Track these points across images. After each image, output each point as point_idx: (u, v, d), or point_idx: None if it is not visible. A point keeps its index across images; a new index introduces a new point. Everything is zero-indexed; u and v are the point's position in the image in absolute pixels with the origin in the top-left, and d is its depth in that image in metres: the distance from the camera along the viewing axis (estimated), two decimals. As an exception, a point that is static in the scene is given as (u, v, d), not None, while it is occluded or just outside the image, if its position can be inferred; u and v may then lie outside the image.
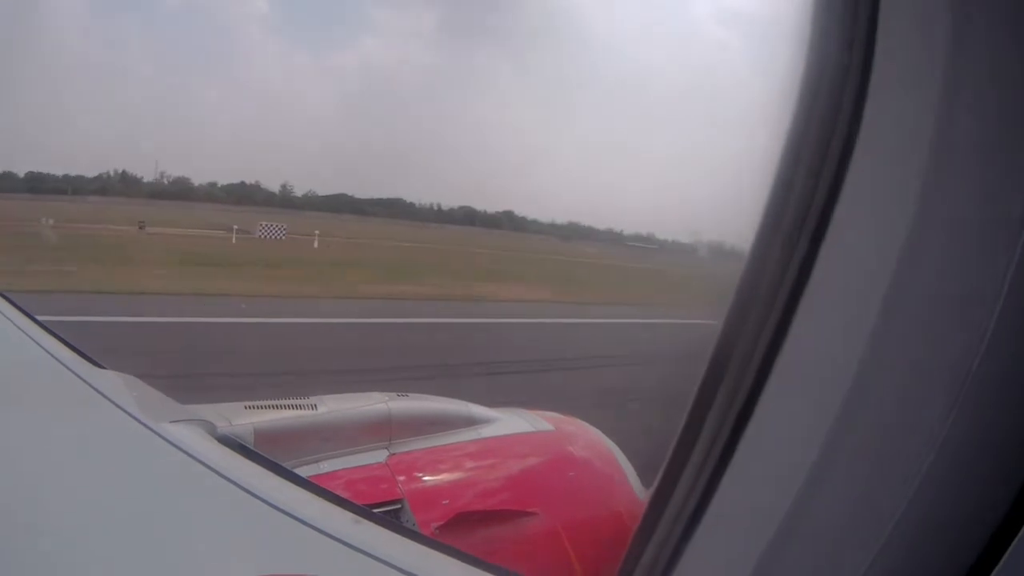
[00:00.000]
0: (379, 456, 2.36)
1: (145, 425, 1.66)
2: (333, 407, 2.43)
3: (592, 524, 2.32)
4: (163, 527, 1.36)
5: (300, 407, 2.37)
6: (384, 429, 2.43)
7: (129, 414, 1.71)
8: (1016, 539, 0.54)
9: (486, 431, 2.60)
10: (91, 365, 2.08)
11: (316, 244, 24.23)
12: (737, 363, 0.70)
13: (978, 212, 0.54)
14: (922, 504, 0.57)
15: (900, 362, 0.58)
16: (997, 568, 0.55)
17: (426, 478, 2.36)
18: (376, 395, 2.57)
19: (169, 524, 1.38)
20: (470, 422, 2.61)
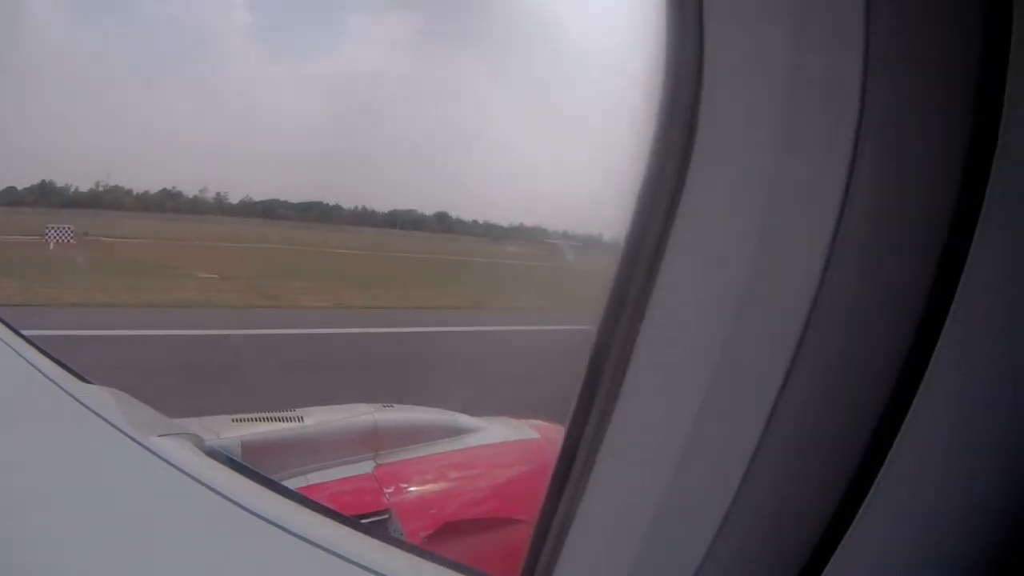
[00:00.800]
0: (366, 467, 2.37)
1: (133, 439, 1.66)
2: (320, 419, 2.44)
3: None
4: (152, 541, 1.37)
5: (287, 419, 2.38)
6: (370, 440, 2.44)
7: (117, 428, 1.71)
8: (845, 536, 0.57)
9: (472, 440, 2.61)
10: (77, 379, 2.08)
11: (52, 247, 21.66)
12: (603, 365, 0.70)
13: (808, 214, 0.55)
14: (750, 501, 0.59)
15: (740, 366, 0.59)
16: (829, 565, 0.58)
17: (413, 488, 2.37)
18: (362, 407, 2.58)
19: (158, 538, 1.38)
20: (456, 432, 2.63)
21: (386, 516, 2.20)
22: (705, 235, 0.62)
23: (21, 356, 2.22)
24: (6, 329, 2.44)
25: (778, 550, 0.60)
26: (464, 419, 2.71)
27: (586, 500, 0.72)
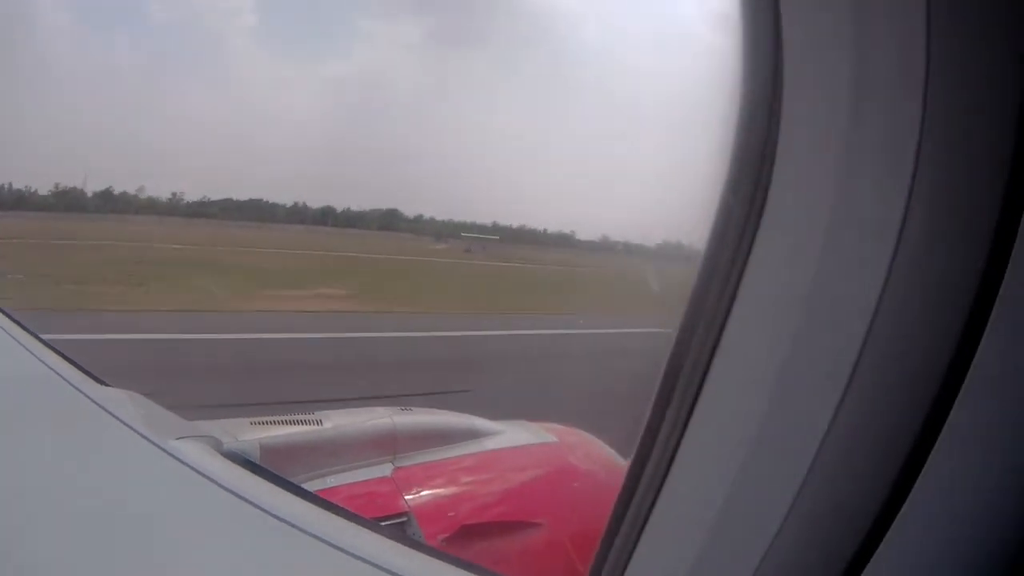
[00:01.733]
0: (384, 470, 2.38)
1: (151, 442, 1.67)
2: (338, 422, 2.45)
3: (597, 534, 2.32)
4: (172, 543, 1.37)
5: (305, 422, 2.39)
6: (389, 443, 2.44)
7: (135, 431, 1.72)
8: (889, 530, 0.58)
9: (490, 444, 2.62)
10: (95, 382, 2.09)
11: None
12: (685, 371, 0.73)
13: (876, 214, 0.57)
14: (807, 498, 0.61)
15: (814, 364, 0.62)
16: (872, 560, 0.59)
17: (431, 491, 2.37)
18: (380, 410, 2.58)
19: (178, 540, 1.38)
20: (474, 435, 2.63)
21: (404, 519, 2.20)
22: (783, 241, 0.65)
23: (40, 359, 2.24)
24: (25, 333, 2.46)
25: (831, 545, 0.62)
26: (481, 422, 2.71)
27: (661, 500, 0.74)
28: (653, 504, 0.75)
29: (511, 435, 2.70)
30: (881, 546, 0.58)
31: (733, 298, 0.67)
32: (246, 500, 1.50)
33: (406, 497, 2.27)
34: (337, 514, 1.57)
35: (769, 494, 0.63)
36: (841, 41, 0.58)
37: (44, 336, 2.50)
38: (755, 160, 0.65)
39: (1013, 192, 0.53)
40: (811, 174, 0.62)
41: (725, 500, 0.67)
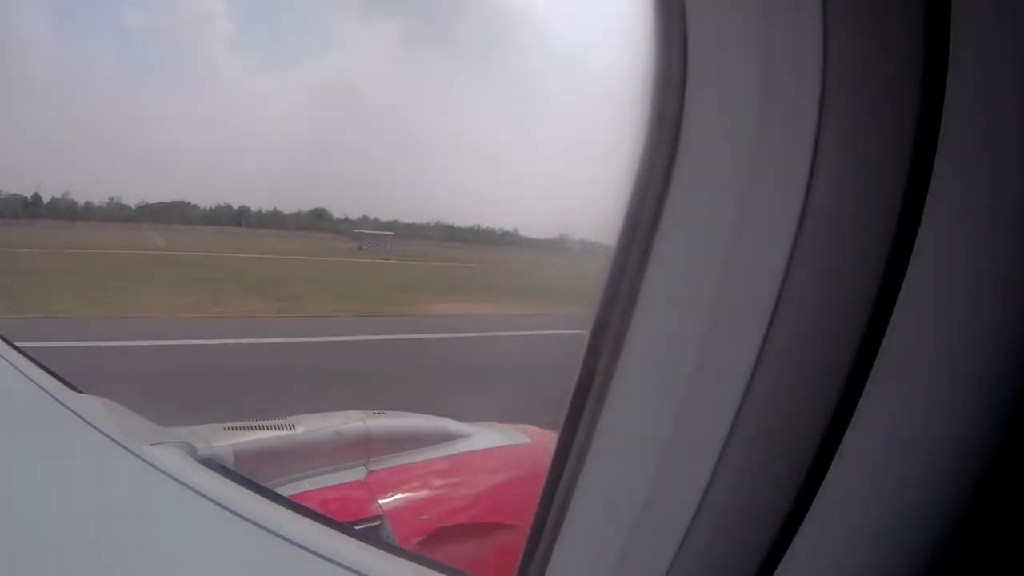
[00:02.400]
0: (358, 474, 2.38)
1: (126, 448, 1.67)
2: (311, 426, 2.45)
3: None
4: (146, 549, 1.37)
5: (279, 427, 2.39)
6: (362, 447, 2.45)
7: (109, 437, 1.72)
8: (802, 523, 0.60)
9: (463, 446, 2.63)
10: (69, 389, 2.09)
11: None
12: (594, 369, 0.73)
13: (773, 212, 0.59)
14: (719, 494, 0.63)
15: (713, 364, 0.63)
16: (786, 555, 0.61)
17: (405, 494, 2.38)
18: (353, 414, 2.58)
19: (152, 546, 1.39)
20: (447, 437, 2.64)
21: (378, 522, 2.21)
22: (685, 237, 0.65)
23: (13, 366, 2.23)
24: None
25: (743, 540, 0.63)
26: (454, 425, 2.72)
27: (576, 499, 0.75)
28: (566, 508, 0.76)
29: (484, 437, 2.72)
30: (794, 540, 0.60)
31: (635, 298, 0.68)
32: (220, 505, 1.50)
33: (380, 501, 2.28)
34: (311, 518, 1.58)
35: (678, 493, 0.65)
36: (746, 42, 0.60)
37: (17, 343, 2.48)
38: (658, 156, 0.66)
39: (912, 187, 0.54)
40: (710, 175, 0.63)
41: (635, 501, 0.68)
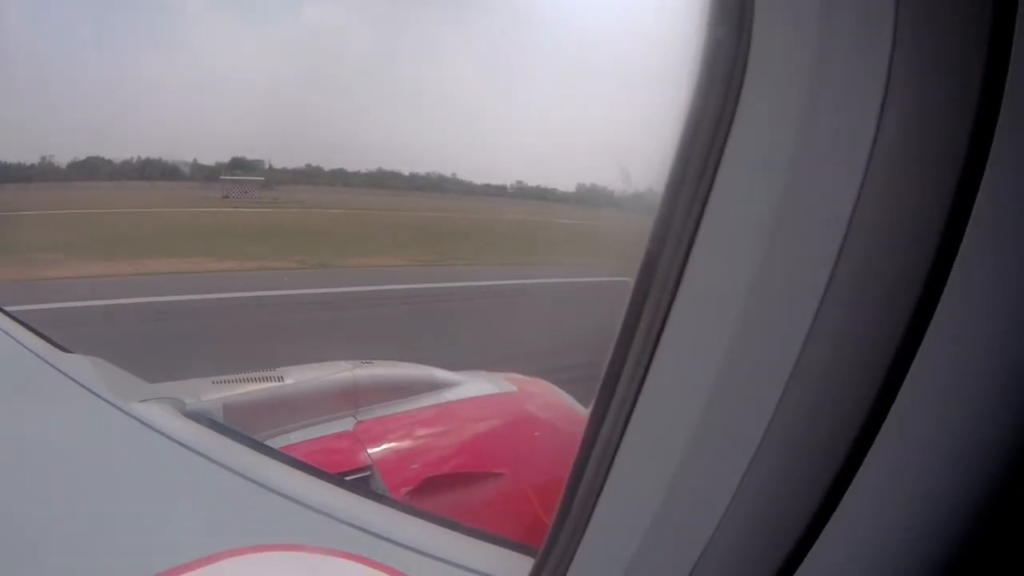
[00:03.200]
0: (347, 424, 2.38)
1: (115, 406, 1.68)
2: (299, 378, 2.45)
3: (559, 482, 2.35)
4: (137, 505, 1.38)
5: (267, 379, 2.39)
6: (350, 397, 2.44)
7: (99, 396, 1.72)
8: (821, 534, 0.59)
9: (451, 395, 2.63)
10: (58, 350, 2.09)
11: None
12: (625, 360, 0.72)
13: (823, 210, 0.57)
14: (749, 495, 0.62)
15: (753, 362, 0.62)
16: (804, 562, 0.60)
17: (394, 444, 2.38)
18: (341, 363, 2.58)
19: (143, 501, 1.40)
20: (434, 386, 2.64)
21: (368, 472, 2.21)
22: (729, 222, 0.64)
23: (2, 331, 2.22)
24: None
25: (765, 545, 0.63)
26: (442, 374, 2.71)
27: (603, 498, 0.75)
28: (592, 506, 0.76)
29: (472, 386, 2.71)
30: (813, 548, 0.60)
31: (676, 289, 0.66)
32: (210, 459, 1.51)
33: (369, 451, 2.29)
34: (301, 470, 1.60)
35: (705, 496, 0.64)
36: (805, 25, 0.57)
37: (9, 308, 2.47)
38: (716, 129, 0.64)
39: (963, 187, 0.53)
40: (764, 154, 0.61)
41: (660, 502, 0.67)
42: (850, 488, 0.57)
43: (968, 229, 0.53)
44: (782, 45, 0.60)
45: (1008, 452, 0.53)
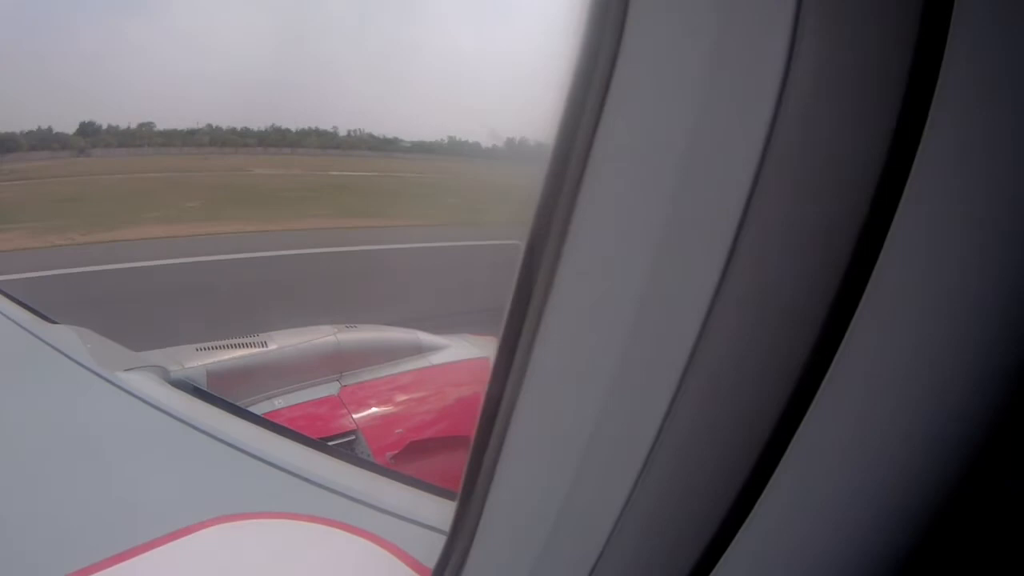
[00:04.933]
0: (331, 389, 2.40)
1: (99, 375, 1.68)
2: (283, 343, 2.45)
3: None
4: (124, 474, 1.39)
5: (250, 345, 2.39)
6: (334, 361, 2.46)
7: (83, 366, 1.73)
8: (733, 539, 0.57)
9: (435, 358, 2.64)
10: (43, 320, 2.08)
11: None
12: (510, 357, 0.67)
13: (714, 201, 0.53)
14: (645, 499, 0.59)
15: (642, 355, 0.58)
16: (718, 565, 0.58)
17: (378, 408, 2.40)
18: (325, 328, 2.58)
19: (130, 471, 1.40)
20: (419, 350, 2.65)
21: (352, 437, 2.23)
22: (612, 219, 0.59)
23: None
24: None
25: (669, 550, 0.60)
26: (426, 337, 2.72)
27: (492, 495, 0.72)
28: (483, 504, 0.73)
29: (457, 350, 2.73)
30: (729, 549, 0.57)
31: (552, 281, 0.61)
32: (194, 427, 1.52)
33: (353, 415, 2.30)
34: (285, 436, 1.61)
35: (602, 493, 0.61)
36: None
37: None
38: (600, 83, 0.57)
39: (882, 191, 0.49)
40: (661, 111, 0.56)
41: (555, 501, 0.65)
42: (761, 497, 0.55)
43: (891, 228, 0.50)
44: (667, 14, 0.55)
45: (929, 456, 0.51)
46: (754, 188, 0.52)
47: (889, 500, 0.53)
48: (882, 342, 0.51)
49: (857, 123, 0.51)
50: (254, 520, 1.26)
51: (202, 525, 1.22)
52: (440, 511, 1.34)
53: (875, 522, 0.53)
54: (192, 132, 22.88)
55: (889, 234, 0.50)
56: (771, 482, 0.54)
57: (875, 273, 0.50)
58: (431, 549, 1.24)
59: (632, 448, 0.59)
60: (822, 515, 0.54)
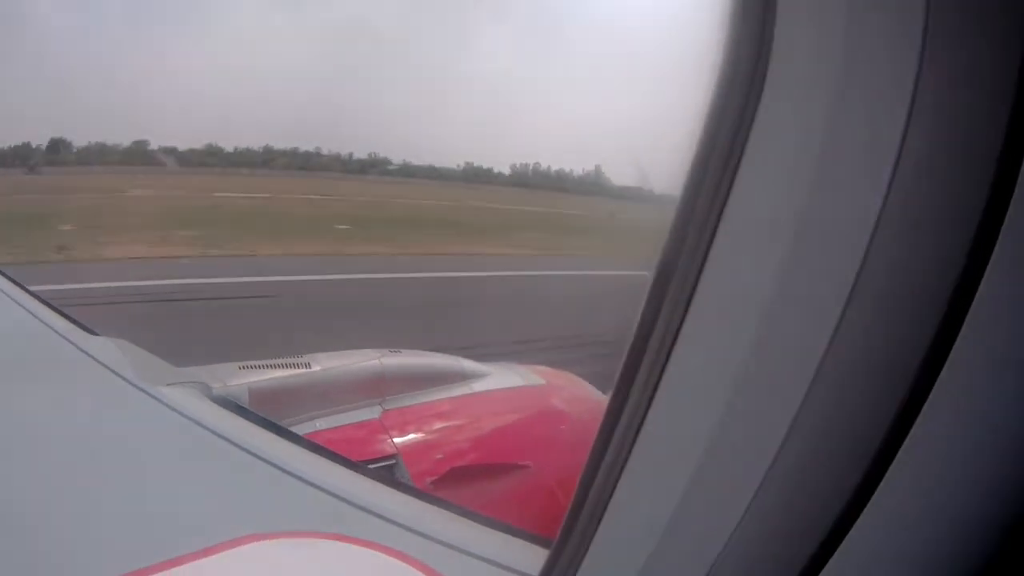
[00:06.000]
0: (373, 412, 2.39)
1: (141, 389, 1.69)
2: (326, 365, 2.45)
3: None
4: (163, 488, 1.39)
5: (294, 366, 2.39)
6: (377, 385, 2.45)
7: (125, 379, 1.74)
8: (845, 538, 0.58)
9: (478, 386, 2.62)
10: (85, 332, 2.10)
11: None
12: (644, 353, 0.70)
13: (849, 210, 0.56)
14: (765, 501, 0.61)
15: (776, 355, 0.60)
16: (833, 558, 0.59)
17: (419, 433, 2.39)
18: (369, 352, 2.58)
19: (169, 485, 1.40)
20: (462, 377, 2.63)
21: (393, 461, 2.22)
22: (752, 220, 0.63)
23: (29, 311, 2.24)
24: (13, 285, 2.46)
25: (788, 546, 0.61)
26: (470, 364, 2.71)
27: (615, 497, 0.74)
28: (605, 504, 0.75)
29: (499, 377, 2.71)
30: (837, 552, 0.58)
31: (698, 279, 0.65)
32: (236, 444, 1.52)
33: (394, 439, 2.29)
34: (326, 457, 1.60)
35: (729, 488, 0.63)
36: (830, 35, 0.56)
37: (33, 288, 2.50)
38: (737, 125, 0.62)
39: (998, 187, 0.52)
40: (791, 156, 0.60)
41: (684, 489, 0.66)
42: (876, 493, 0.56)
43: (1001, 233, 0.51)
44: (806, 43, 0.59)
45: None
46: (875, 230, 0.55)
47: (994, 506, 0.53)
48: (987, 353, 0.52)
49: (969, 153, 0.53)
50: (289, 538, 1.25)
51: (238, 542, 1.21)
52: (477, 537, 1.32)
53: (979, 528, 0.54)
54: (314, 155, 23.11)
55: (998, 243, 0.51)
56: (885, 479, 0.56)
57: (985, 278, 0.52)
58: (466, 573, 1.23)
59: (759, 451, 0.61)
60: (935, 510, 0.55)
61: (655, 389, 0.68)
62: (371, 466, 2.08)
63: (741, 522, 0.62)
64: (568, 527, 0.81)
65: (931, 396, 0.53)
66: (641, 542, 0.70)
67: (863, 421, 0.57)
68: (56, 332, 2.06)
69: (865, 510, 0.56)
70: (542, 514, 2.21)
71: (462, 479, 2.19)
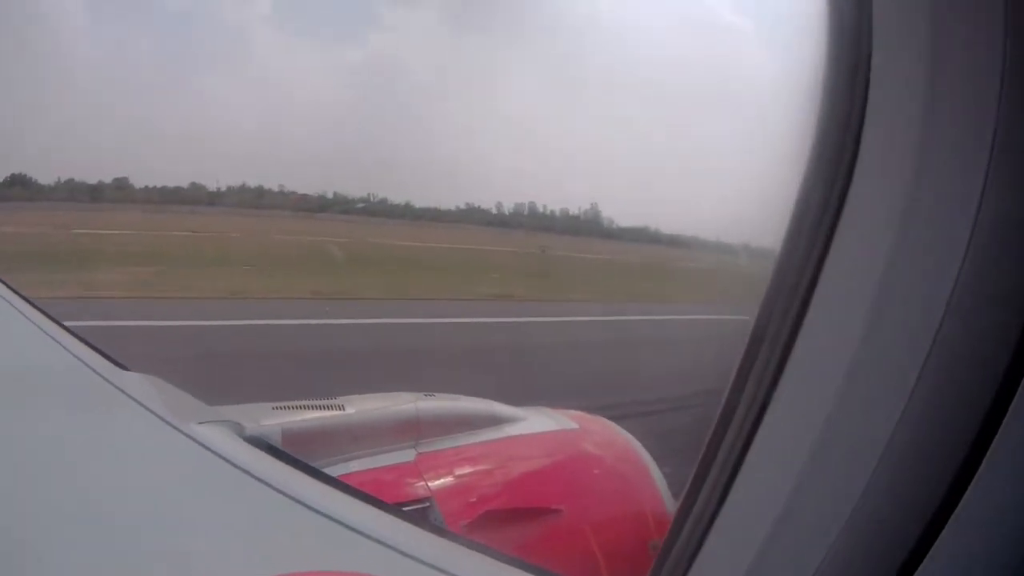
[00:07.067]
0: (407, 455, 2.38)
1: (173, 426, 1.69)
2: (361, 407, 2.45)
3: (617, 521, 2.34)
4: (193, 527, 1.38)
5: (328, 407, 2.40)
6: (412, 429, 2.44)
7: (157, 415, 1.74)
8: (943, 532, 0.59)
9: (512, 430, 2.62)
10: (116, 367, 2.11)
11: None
12: (757, 366, 0.73)
13: (950, 212, 0.58)
14: (872, 500, 0.63)
15: (879, 365, 0.63)
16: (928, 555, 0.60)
17: (453, 477, 2.38)
18: (404, 395, 2.59)
19: (200, 524, 1.40)
20: (496, 421, 2.63)
21: (427, 504, 2.21)
22: (857, 243, 0.66)
23: (61, 345, 2.26)
24: (45, 319, 2.49)
25: (890, 544, 0.63)
26: (503, 408, 2.70)
27: (729, 500, 0.75)
28: (721, 502, 0.76)
29: (533, 422, 2.71)
30: (933, 548, 0.59)
31: (809, 297, 0.68)
32: (268, 485, 1.51)
33: (428, 483, 2.28)
34: (359, 499, 1.58)
35: (836, 490, 0.65)
36: (919, 37, 0.58)
37: (65, 322, 2.52)
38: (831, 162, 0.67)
39: None
40: (887, 173, 0.62)
41: (789, 498, 0.68)
42: (970, 487, 0.57)
43: None
44: (895, 107, 0.62)
45: None
46: (955, 285, 0.58)
47: None
48: None
49: None
50: None
51: (267, 580, 1.19)
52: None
53: None
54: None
55: None
56: (976, 478, 0.57)
57: None
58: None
59: (866, 453, 0.63)
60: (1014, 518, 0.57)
61: (768, 396, 0.72)
62: (405, 508, 2.07)
63: (846, 524, 0.64)
64: (676, 530, 0.83)
65: (1016, 397, 0.56)
66: (748, 545, 0.72)
67: (957, 425, 0.59)
68: (88, 367, 2.08)
69: (958, 506, 0.58)
70: (575, 558, 2.19)
71: (495, 522, 2.18)
